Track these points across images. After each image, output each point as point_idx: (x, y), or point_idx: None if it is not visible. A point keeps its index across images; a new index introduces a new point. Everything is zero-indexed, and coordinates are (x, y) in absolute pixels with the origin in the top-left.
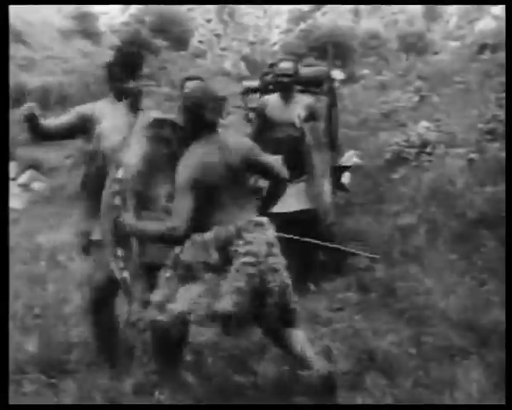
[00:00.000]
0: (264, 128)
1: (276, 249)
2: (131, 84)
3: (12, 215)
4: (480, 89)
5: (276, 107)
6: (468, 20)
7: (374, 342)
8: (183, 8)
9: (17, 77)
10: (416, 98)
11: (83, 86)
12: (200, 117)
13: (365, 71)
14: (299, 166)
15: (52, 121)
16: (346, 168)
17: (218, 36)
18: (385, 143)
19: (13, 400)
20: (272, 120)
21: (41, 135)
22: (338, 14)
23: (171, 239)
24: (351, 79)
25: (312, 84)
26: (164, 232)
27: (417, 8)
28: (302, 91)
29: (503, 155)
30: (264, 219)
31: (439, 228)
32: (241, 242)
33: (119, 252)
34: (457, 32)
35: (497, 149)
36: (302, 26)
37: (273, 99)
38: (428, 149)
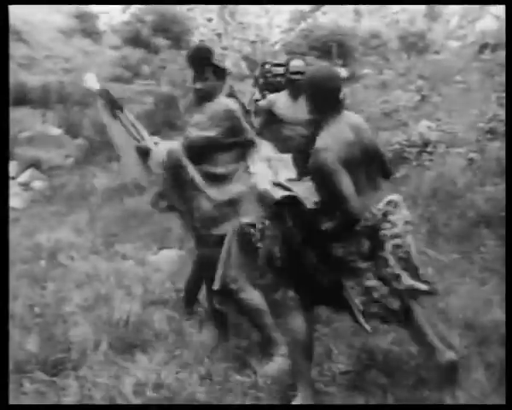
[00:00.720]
0: (269, 126)
1: (410, 226)
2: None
3: (12, 214)
4: (481, 88)
5: (286, 105)
6: (469, 19)
7: (374, 342)
8: (184, 7)
9: (17, 76)
10: (417, 98)
11: (83, 86)
12: (329, 98)
13: (366, 70)
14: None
15: None
16: None
17: (218, 35)
18: (386, 142)
19: (13, 399)
20: (281, 118)
21: None
22: (339, 13)
23: (350, 224)
24: (352, 78)
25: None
26: (342, 221)
27: (418, 8)
28: None
29: (504, 154)
30: (399, 197)
31: (439, 228)
32: (388, 225)
33: None
34: (458, 31)
35: (497, 148)
36: (303, 25)
37: (281, 97)
38: (429, 149)
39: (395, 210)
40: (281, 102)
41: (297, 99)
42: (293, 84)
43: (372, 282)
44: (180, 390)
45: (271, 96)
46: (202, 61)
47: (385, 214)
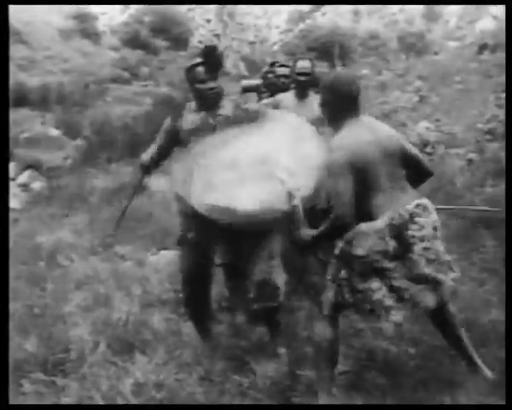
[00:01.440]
0: None
1: (439, 233)
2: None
3: (11, 215)
4: (480, 89)
5: (292, 105)
6: (468, 20)
7: (374, 342)
8: (183, 8)
9: (17, 77)
10: (416, 98)
11: (82, 86)
12: (348, 102)
13: (365, 71)
14: None
15: None
16: None
17: (217, 36)
18: None
19: (12, 399)
20: None
21: None
22: (338, 14)
23: (338, 230)
24: None
25: (310, 84)
26: (329, 226)
27: (417, 9)
28: None
29: (503, 154)
30: (428, 202)
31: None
32: (415, 226)
33: None
34: (457, 32)
35: (496, 149)
36: (302, 26)
37: (288, 97)
38: (428, 149)
39: (424, 213)
40: (287, 101)
41: (303, 99)
42: (300, 85)
43: (400, 282)
44: (179, 391)
45: (278, 96)
46: (218, 60)
47: (412, 216)
